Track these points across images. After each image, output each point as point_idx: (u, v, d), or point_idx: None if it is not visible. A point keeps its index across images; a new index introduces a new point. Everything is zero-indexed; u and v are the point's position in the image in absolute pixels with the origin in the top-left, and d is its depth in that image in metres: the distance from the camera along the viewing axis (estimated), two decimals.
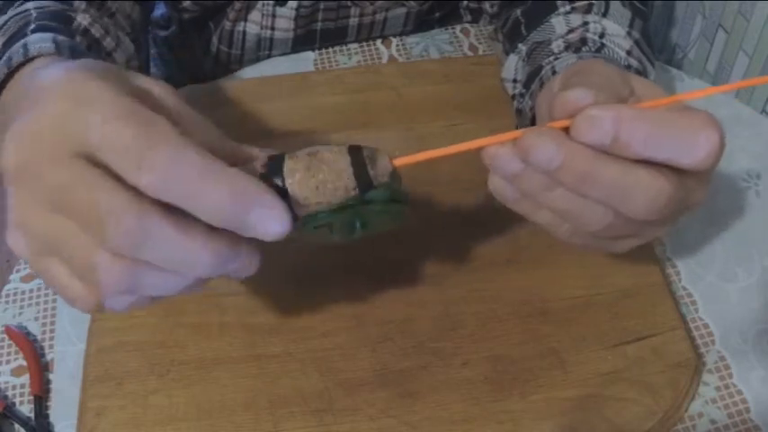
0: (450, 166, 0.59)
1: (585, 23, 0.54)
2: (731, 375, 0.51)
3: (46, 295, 0.56)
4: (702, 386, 0.50)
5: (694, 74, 0.87)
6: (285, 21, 0.72)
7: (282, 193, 0.33)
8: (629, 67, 0.51)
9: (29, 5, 0.51)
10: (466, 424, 0.48)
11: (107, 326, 0.52)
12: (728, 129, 0.65)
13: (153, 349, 0.51)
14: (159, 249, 0.31)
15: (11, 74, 0.43)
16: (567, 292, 0.53)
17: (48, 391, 0.52)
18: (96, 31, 0.53)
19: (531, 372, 0.50)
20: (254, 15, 0.73)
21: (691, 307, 0.54)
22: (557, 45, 0.53)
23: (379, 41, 0.73)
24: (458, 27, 0.75)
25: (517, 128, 0.55)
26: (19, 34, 0.47)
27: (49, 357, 0.53)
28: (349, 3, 0.72)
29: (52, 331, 0.55)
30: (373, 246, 0.55)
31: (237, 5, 0.72)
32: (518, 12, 0.60)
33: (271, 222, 0.32)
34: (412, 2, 0.73)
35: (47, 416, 0.51)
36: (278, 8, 0.72)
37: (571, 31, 0.54)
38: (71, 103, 0.31)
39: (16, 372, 0.53)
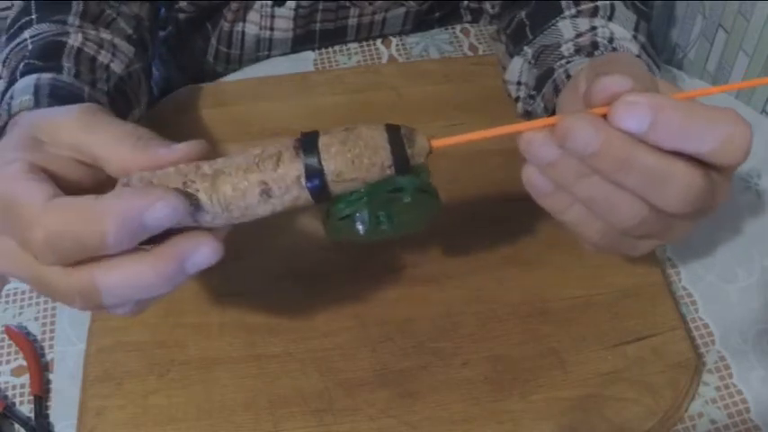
0: (451, 166, 0.59)
1: (593, 28, 0.54)
2: (731, 375, 0.51)
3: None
4: (702, 386, 0.50)
5: (694, 74, 0.87)
6: (284, 21, 0.72)
7: (316, 170, 0.33)
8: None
9: (25, 34, 0.52)
10: (466, 424, 0.48)
11: (107, 326, 0.52)
12: None
13: (153, 349, 0.51)
14: (110, 297, 0.34)
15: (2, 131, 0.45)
16: (567, 292, 0.53)
17: (48, 391, 0.52)
18: (90, 49, 0.53)
19: (531, 372, 0.50)
20: (253, 16, 0.73)
21: (691, 307, 0.54)
22: (566, 48, 0.53)
23: (378, 41, 0.73)
24: (458, 27, 0.75)
25: None
26: (13, 76, 0.49)
27: (49, 357, 0.53)
28: (348, 3, 0.72)
29: (52, 331, 0.55)
30: (374, 246, 0.55)
31: (235, 6, 0.72)
32: (522, 14, 0.60)
33: (164, 210, 0.33)
34: (411, 2, 0.73)
35: (47, 416, 0.51)
36: (276, 8, 0.72)
37: (579, 35, 0.54)
38: (14, 201, 0.34)
39: (16, 372, 0.53)
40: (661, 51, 0.93)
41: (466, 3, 0.78)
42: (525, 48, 0.58)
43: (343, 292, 0.53)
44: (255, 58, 0.76)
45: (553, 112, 0.50)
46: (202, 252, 0.34)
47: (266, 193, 0.33)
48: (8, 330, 0.54)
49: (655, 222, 0.35)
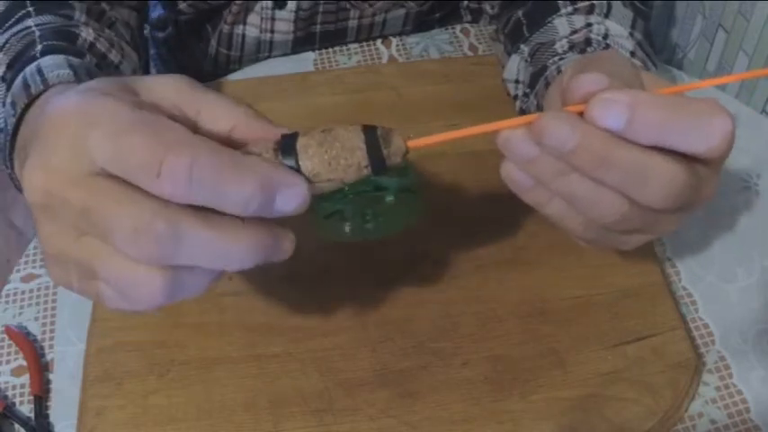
0: (450, 166, 0.59)
1: (589, 24, 0.54)
2: (731, 375, 0.51)
3: (46, 295, 0.56)
4: (702, 386, 0.50)
5: (694, 74, 0.87)
6: (284, 23, 0.72)
7: (295, 170, 0.33)
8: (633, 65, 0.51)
9: (29, 22, 0.51)
10: (466, 424, 0.48)
11: (107, 326, 0.52)
12: None
13: (153, 349, 0.51)
14: (194, 251, 0.31)
15: (30, 102, 0.43)
16: (567, 292, 0.53)
17: (48, 391, 0.52)
18: (102, 46, 0.53)
19: (531, 372, 0.50)
20: (253, 18, 0.73)
21: (691, 307, 0.54)
22: (560, 45, 0.53)
23: (379, 41, 0.73)
24: (458, 27, 0.75)
25: None
26: (26, 55, 0.47)
27: (49, 357, 0.53)
28: (348, 5, 0.72)
29: (52, 331, 0.55)
30: (374, 246, 0.55)
31: (235, 8, 0.72)
32: (519, 13, 0.60)
33: (294, 199, 0.32)
34: (411, 3, 0.73)
35: (47, 416, 0.51)
36: (277, 11, 0.72)
37: (575, 31, 0.54)
38: (78, 126, 0.31)
39: (16, 372, 0.53)
40: (661, 51, 0.94)
41: (466, 3, 0.78)
42: (522, 46, 0.58)
43: (343, 292, 0.53)
44: (255, 59, 0.76)
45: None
46: (288, 244, 0.34)
47: None
48: (8, 330, 0.54)
49: (638, 218, 0.35)
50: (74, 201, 0.31)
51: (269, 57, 0.75)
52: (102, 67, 0.51)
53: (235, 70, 0.73)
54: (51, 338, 0.54)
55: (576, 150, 0.32)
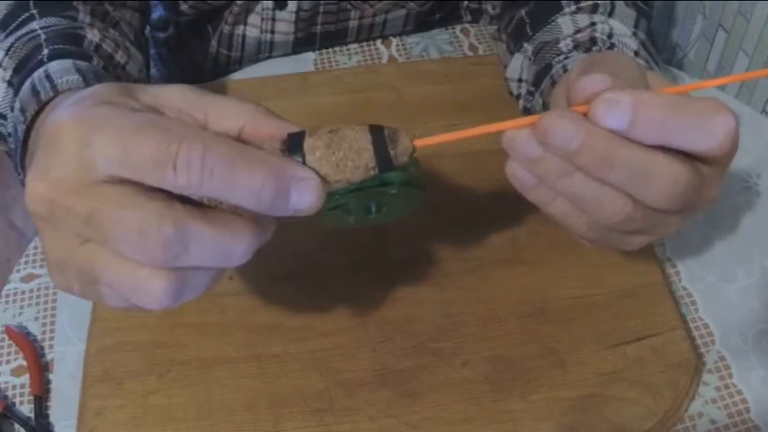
0: (450, 166, 0.59)
1: (593, 24, 0.54)
2: (731, 375, 0.51)
3: (46, 295, 0.56)
4: (702, 386, 0.50)
5: (694, 74, 0.87)
6: (285, 24, 0.72)
7: None
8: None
9: (34, 25, 0.51)
10: (466, 424, 0.48)
11: (107, 326, 0.52)
12: None
13: (153, 349, 0.51)
14: (200, 251, 0.31)
15: (41, 109, 0.43)
16: (567, 292, 0.53)
17: (48, 391, 0.52)
18: (108, 47, 0.53)
19: (531, 372, 0.50)
20: (254, 19, 0.73)
21: (691, 307, 0.54)
22: (565, 44, 0.53)
23: (379, 41, 0.73)
24: (458, 27, 0.75)
25: None
26: (33, 60, 0.47)
27: (49, 357, 0.53)
28: (349, 5, 0.72)
29: (52, 331, 0.55)
30: (374, 246, 0.55)
31: (236, 9, 0.72)
32: (522, 12, 0.60)
33: (309, 194, 0.32)
34: (412, 3, 0.73)
35: (47, 416, 0.51)
36: (277, 12, 0.72)
37: (579, 30, 0.54)
38: (80, 134, 0.31)
39: (16, 372, 0.53)
40: (661, 51, 0.93)
41: (466, 3, 0.78)
42: (525, 44, 0.58)
43: (343, 292, 0.53)
44: (256, 60, 0.76)
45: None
46: (269, 230, 0.34)
47: None
48: (8, 330, 0.54)
49: (642, 218, 0.35)
50: (78, 209, 0.31)
51: (269, 57, 0.75)
52: (110, 68, 0.51)
53: (235, 71, 0.73)
54: (51, 338, 0.54)
55: (579, 150, 0.32)
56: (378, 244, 0.55)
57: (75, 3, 0.55)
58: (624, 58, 0.39)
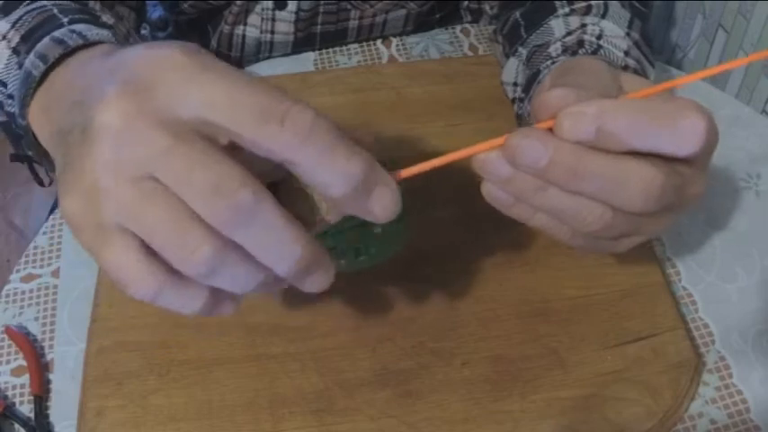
0: (450, 166, 0.59)
1: (584, 25, 0.54)
2: (731, 375, 0.51)
3: (46, 295, 0.56)
4: (702, 386, 0.50)
5: None
6: (285, 24, 0.72)
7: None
8: (626, 67, 0.51)
9: (45, 2, 0.49)
10: (466, 424, 0.48)
11: (107, 326, 0.52)
12: (728, 129, 0.65)
13: (153, 349, 0.51)
14: (261, 233, 0.29)
15: (63, 57, 0.41)
16: (567, 292, 0.53)
17: (48, 391, 0.52)
18: (120, 31, 0.51)
19: (531, 372, 0.50)
20: (254, 19, 0.73)
21: (691, 307, 0.54)
22: (554, 48, 0.53)
23: (379, 41, 0.73)
24: (458, 27, 0.75)
25: None
26: (46, 26, 0.45)
27: (48, 357, 0.53)
28: (349, 5, 0.72)
29: (52, 331, 0.55)
30: None
31: (235, 9, 0.72)
32: (517, 14, 0.60)
33: (389, 200, 0.31)
34: (412, 3, 0.73)
35: (47, 416, 0.51)
36: (277, 12, 0.72)
37: (570, 33, 0.54)
38: (193, 68, 0.29)
39: (16, 372, 0.53)
40: (661, 51, 0.94)
41: (466, 3, 0.78)
42: (520, 48, 0.58)
43: (343, 292, 0.53)
44: (256, 60, 0.76)
45: None
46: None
47: None
48: (8, 330, 0.54)
49: (623, 223, 0.35)
50: (158, 139, 0.29)
51: (269, 57, 0.75)
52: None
53: None
54: (51, 338, 0.54)
55: (548, 166, 0.33)
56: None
57: None
58: (596, 65, 0.39)
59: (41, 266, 0.58)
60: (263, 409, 0.49)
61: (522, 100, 0.55)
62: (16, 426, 0.50)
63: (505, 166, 0.34)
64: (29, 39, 0.45)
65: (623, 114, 0.33)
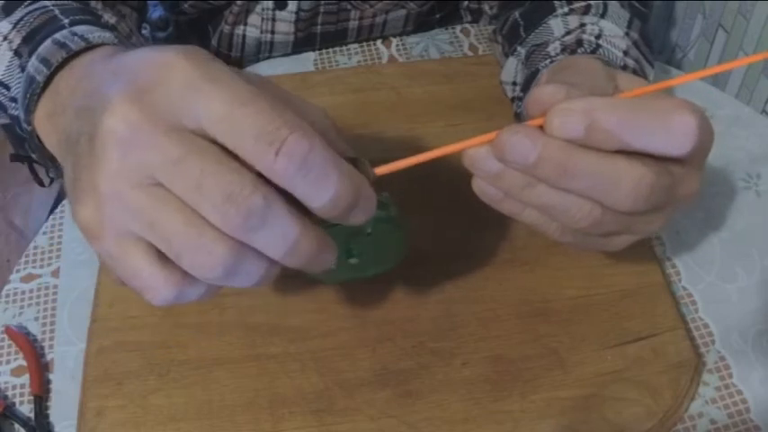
0: (450, 167, 0.59)
1: (583, 25, 0.54)
2: (731, 375, 0.51)
3: (46, 295, 0.56)
4: (702, 386, 0.50)
5: None
6: (285, 24, 0.72)
7: None
8: (625, 67, 0.51)
9: (46, 3, 0.49)
10: (466, 424, 0.48)
11: (107, 326, 0.52)
12: (728, 129, 0.65)
13: (153, 349, 0.51)
14: (274, 235, 0.30)
15: (66, 60, 0.41)
16: (567, 292, 0.53)
17: (48, 391, 0.52)
18: (123, 30, 0.52)
19: (531, 372, 0.50)
20: (254, 19, 0.73)
21: (691, 307, 0.54)
22: (553, 48, 0.53)
23: (379, 41, 0.73)
24: (458, 27, 0.75)
25: None
26: (49, 27, 0.45)
27: (48, 357, 0.53)
28: (349, 5, 0.72)
29: (52, 331, 0.55)
30: None
31: (236, 9, 0.72)
32: (516, 14, 0.60)
33: (367, 213, 0.32)
34: (412, 4, 0.73)
35: (47, 416, 0.51)
36: (278, 12, 0.72)
37: (568, 32, 0.54)
38: (196, 74, 0.30)
39: (16, 372, 0.53)
40: (661, 51, 0.94)
41: (466, 3, 0.78)
42: (519, 48, 0.58)
43: (343, 292, 0.53)
44: (256, 60, 0.76)
45: None
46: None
47: None
48: (8, 330, 0.54)
49: (613, 221, 0.35)
50: (168, 148, 0.29)
51: (269, 57, 0.75)
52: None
53: None
54: (51, 338, 0.54)
55: (537, 163, 0.33)
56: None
57: None
58: (592, 64, 0.39)
59: (41, 266, 0.58)
60: (263, 409, 0.49)
61: (520, 99, 0.55)
62: (16, 426, 0.50)
63: (494, 162, 0.34)
64: (30, 40, 0.45)
65: (614, 112, 0.32)
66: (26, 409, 0.51)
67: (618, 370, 0.50)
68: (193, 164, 0.29)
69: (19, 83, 0.45)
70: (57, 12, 0.47)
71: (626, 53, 0.52)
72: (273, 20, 0.72)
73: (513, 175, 0.34)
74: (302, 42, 0.74)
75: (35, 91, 0.41)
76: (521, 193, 0.35)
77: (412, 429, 0.48)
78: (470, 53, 0.72)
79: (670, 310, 0.52)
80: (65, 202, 0.62)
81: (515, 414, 0.48)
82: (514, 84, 0.58)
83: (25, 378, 0.52)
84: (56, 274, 0.58)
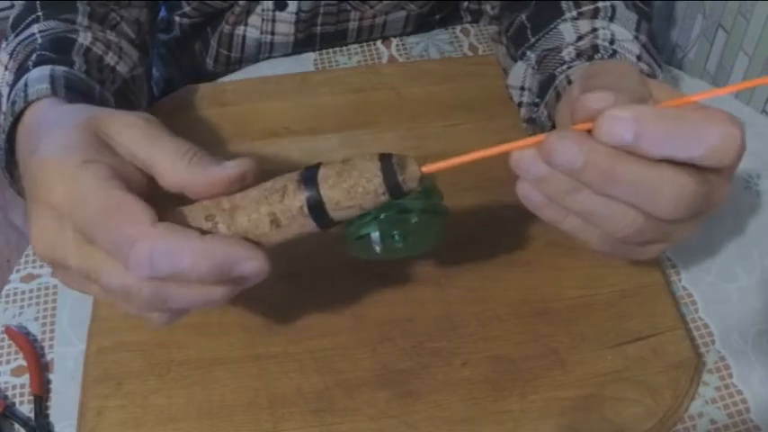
0: (450, 167, 0.59)
1: (594, 30, 0.54)
2: (731, 375, 0.51)
3: (46, 295, 0.56)
4: (702, 386, 0.50)
5: (694, 74, 0.87)
6: (285, 25, 0.72)
7: (316, 200, 0.36)
8: (640, 72, 0.51)
9: (34, 29, 0.53)
10: (466, 424, 0.48)
11: (107, 326, 0.52)
12: None
13: (153, 349, 0.51)
14: (179, 303, 0.36)
15: (18, 117, 0.46)
16: (567, 292, 0.53)
17: (48, 391, 0.52)
18: (98, 49, 0.54)
19: (531, 372, 0.50)
20: (254, 20, 0.73)
21: (691, 307, 0.54)
22: (567, 53, 0.53)
23: (379, 41, 0.73)
24: (458, 27, 0.75)
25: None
26: (24, 65, 0.50)
27: (48, 357, 0.53)
28: (349, 6, 0.72)
29: (52, 331, 0.55)
30: None
31: (236, 10, 0.72)
32: (523, 16, 0.60)
33: (251, 270, 0.36)
34: (412, 5, 0.73)
35: (47, 416, 0.51)
36: (278, 12, 0.72)
37: (581, 38, 0.54)
38: (65, 204, 0.36)
39: (16, 372, 0.53)
40: (661, 51, 0.93)
41: (466, 4, 0.78)
42: (528, 52, 0.58)
43: (343, 292, 0.53)
44: (255, 61, 0.76)
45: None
46: (252, 265, 0.37)
47: (275, 222, 0.37)
48: (8, 330, 0.54)
49: (653, 229, 0.36)
50: (73, 266, 0.37)
51: (269, 58, 0.75)
52: (93, 71, 0.53)
53: (235, 71, 0.73)
54: (51, 338, 0.54)
55: (584, 168, 0.33)
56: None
57: (77, 3, 0.57)
58: (625, 68, 0.39)
59: (41, 266, 0.58)
60: (263, 409, 0.49)
61: (536, 105, 0.55)
62: (16, 426, 0.50)
63: (540, 165, 0.34)
64: (17, 74, 0.50)
65: (664, 122, 0.33)
66: (26, 409, 0.51)
67: (618, 370, 0.50)
68: (93, 271, 0.37)
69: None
70: (37, 43, 0.52)
71: (639, 58, 0.52)
72: (273, 20, 0.72)
73: (558, 179, 0.35)
74: (302, 43, 0.74)
75: (0, 153, 0.49)
76: (564, 199, 0.35)
77: (412, 429, 0.48)
78: (470, 53, 0.72)
79: (670, 310, 0.52)
80: None
81: (515, 414, 0.48)
82: (522, 89, 0.58)
83: (25, 378, 0.52)
84: None
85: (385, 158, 0.36)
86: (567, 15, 0.56)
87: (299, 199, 0.36)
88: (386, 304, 0.53)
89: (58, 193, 0.37)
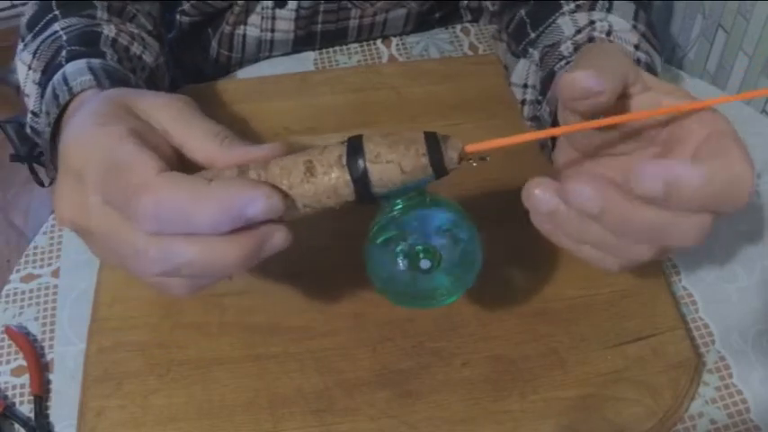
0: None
1: (592, 22, 0.54)
2: (731, 375, 0.51)
3: (46, 295, 0.56)
4: (702, 386, 0.50)
5: (694, 74, 0.87)
6: (285, 23, 0.72)
7: (356, 148, 0.36)
8: (638, 61, 0.51)
9: (56, 27, 0.54)
10: (466, 424, 0.48)
11: (107, 326, 0.52)
12: None
13: (153, 349, 0.51)
14: (187, 268, 0.35)
15: (62, 112, 0.46)
16: (567, 292, 0.53)
17: (48, 391, 0.52)
18: (123, 40, 0.55)
19: (531, 372, 0.50)
20: (254, 18, 0.73)
21: (691, 307, 0.54)
22: (566, 47, 0.53)
23: (379, 41, 0.73)
24: (458, 26, 0.75)
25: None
26: (55, 62, 0.50)
27: (48, 357, 0.53)
28: (349, 4, 0.72)
29: (52, 331, 0.55)
30: None
31: (237, 9, 0.72)
32: (522, 12, 0.60)
33: (264, 206, 0.34)
34: (412, 3, 0.73)
35: (47, 416, 0.51)
36: (278, 10, 0.72)
37: (579, 31, 0.54)
38: (79, 164, 0.36)
39: (16, 372, 0.53)
40: (661, 51, 0.93)
41: (466, 3, 0.78)
42: (531, 49, 0.58)
43: (343, 292, 0.53)
44: (256, 60, 0.76)
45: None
46: (278, 237, 0.36)
47: (310, 171, 0.36)
48: (8, 330, 0.54)
49: (667, 252, 0.37)
50: (94, 229, 0.36)
51: (269, 57, 0.75)
52: (124, 61, 0.53)
53: (235, 71, 0.73)
54: (51, 338, 0.54)
55: (600, 214, 0.33)
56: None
57: (94, 1, 0.57)
58: (610, 47, 0.39)
59: (41, 266, 0.58)
60: (263, 409, 0.49)
61: (539, 102, 0.55)
62: (16, 426, 0.50)
63: (551, 201, 0.35)
64: (46, 73, 0.50)
65: (692, 180, 0.32)
66: (26, 409, 0.51)
67: (618, 370, 0.50)
68: (106, 236, 0.37)
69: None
70: (63, 40, 0.52)
71: (637, 47, 0.52)
72: (273, 18, 0.72)
73: (570, 216, 0.35)
74: (302, 41, 0.74)
75: (46, 147, 0.49)
76: (577, 232, 0.36)
77: (412, 429, 0.48)
78: (470, 52, 0.72)
79: (670, 310, 0.52)
80: None
81: (515, 414, 0.48)
82: (525, 86, 0.58)
83: (25, 378, 0.52)
84: (56, 274, 0.58)
85: (428, 133, 0.36)
86: (565, 9, 0.56)
87: (339, 150, 0.36)
88: (386, 304, 0.53)
89: (75, 156, 0.36)
